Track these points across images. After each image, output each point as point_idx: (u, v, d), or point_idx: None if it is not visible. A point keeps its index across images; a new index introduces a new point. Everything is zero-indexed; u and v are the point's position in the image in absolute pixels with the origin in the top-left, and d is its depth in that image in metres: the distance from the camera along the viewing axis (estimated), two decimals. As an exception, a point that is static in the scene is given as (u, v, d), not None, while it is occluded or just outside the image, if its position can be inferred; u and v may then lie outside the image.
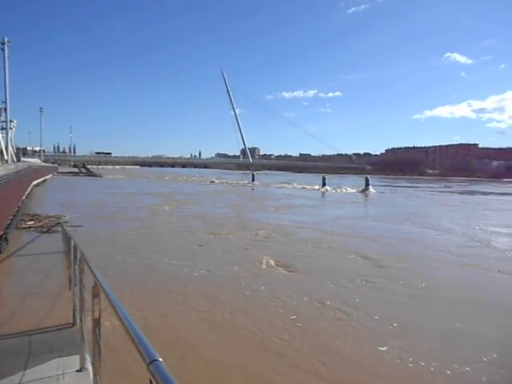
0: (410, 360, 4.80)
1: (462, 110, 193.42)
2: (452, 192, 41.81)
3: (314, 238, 13.15)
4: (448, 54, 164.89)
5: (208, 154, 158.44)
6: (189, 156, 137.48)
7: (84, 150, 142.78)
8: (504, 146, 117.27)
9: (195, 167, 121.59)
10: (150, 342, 1.15)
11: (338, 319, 6.14)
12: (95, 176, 61.12)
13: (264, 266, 9.14)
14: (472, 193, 41.05)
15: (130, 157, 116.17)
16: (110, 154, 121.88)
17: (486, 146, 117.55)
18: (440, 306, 6.86)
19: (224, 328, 5.71)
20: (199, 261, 9.36)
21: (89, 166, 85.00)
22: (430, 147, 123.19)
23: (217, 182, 52.41)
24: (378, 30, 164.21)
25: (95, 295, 2.23)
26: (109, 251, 10.02)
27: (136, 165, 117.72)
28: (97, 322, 2.25)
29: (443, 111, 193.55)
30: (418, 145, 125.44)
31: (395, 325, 5.86)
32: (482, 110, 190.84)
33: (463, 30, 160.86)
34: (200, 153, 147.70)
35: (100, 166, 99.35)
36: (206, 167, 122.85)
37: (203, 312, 6.21)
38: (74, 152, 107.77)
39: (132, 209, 20.06)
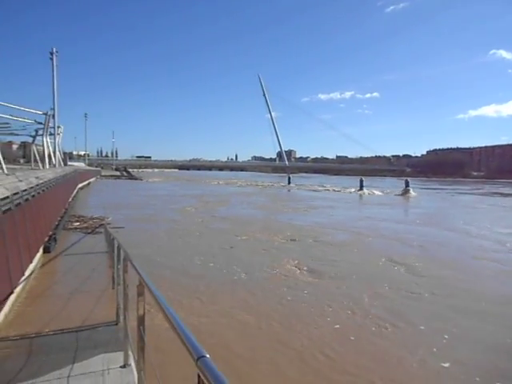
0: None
1: (510, 108, 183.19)
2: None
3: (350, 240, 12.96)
4: (493, 51, 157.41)
5: (244, 157, 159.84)
6: (225, 159, 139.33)
7: (125, 153, 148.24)
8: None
9: (232, 170, 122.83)
10: (196, 339, 1.19)
11: (389, 332, 5.82)
12: (136, 179, 63.15)
13: (297, 272, 9.05)
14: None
15: (168, 160, 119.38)
16: (149, 157, 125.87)
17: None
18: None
19: (259, 336, 5.64)
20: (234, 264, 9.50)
21: (130, 170, 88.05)
22: (474, 148, 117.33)
23: (254, 184, 52.73)
24: (416, 29, 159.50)
25: (140, 293, 2.31)
26: (147, 253, 10.28)
27: (174, 168, 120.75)
28: (141, 320, 2.34)
29: (489, 110, 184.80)
30: (462, 146, 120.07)
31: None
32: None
33: (508, 25, 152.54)
34: (236, 156, 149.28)
35: (140, 170, 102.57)
36: (242, 170, 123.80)
37: (242, 318, 6.21)
38: (116, 156, 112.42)
39: (168, 211, 20.64)
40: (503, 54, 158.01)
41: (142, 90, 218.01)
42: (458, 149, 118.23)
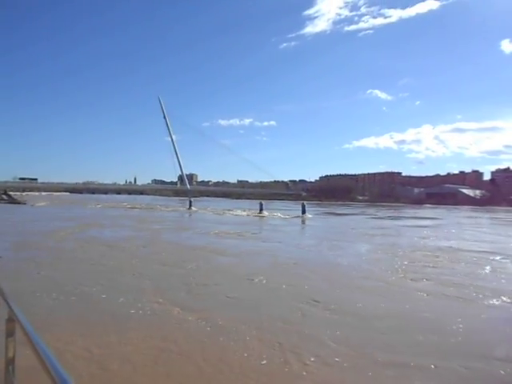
0: None
1: (385, 141, 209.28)
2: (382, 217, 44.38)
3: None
4: (370, 91, 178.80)
5: (144, 180, 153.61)
6: (123, 182, 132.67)
7: (6, 175, 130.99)
8: (423, 174, 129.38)
9: (130, 194, 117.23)
10: (60, 365, 1.08)
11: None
12: (18, 203, 57.14)
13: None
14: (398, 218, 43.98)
15: (58, 183, 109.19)
16: (35, 179, 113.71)
17: (408, 174, 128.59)
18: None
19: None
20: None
21: (11, 193, 78.42)
22: (359, 175, 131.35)
23: (156, 208, 51.08)
24: (307, 65, 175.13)
25: (10, 330, 1.97)
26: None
27: (65, 191, 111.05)
28: (11, 360, 1.99)
29: (369, 142, 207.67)
30: (349, 172, 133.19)
31: None
32: (402, 142, 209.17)
33: (381, 69, 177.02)
34: (135, 179, 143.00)
35: (24, 193, 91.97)
36: (141, 194, 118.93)
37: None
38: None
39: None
40: (378, 93, 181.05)
41: (22, 105, 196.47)
42: (345, 175, 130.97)
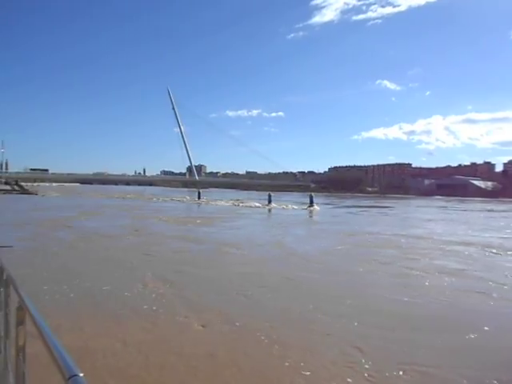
0: None
1: (395, 132, 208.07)
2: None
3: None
4: (379, 81, 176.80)
5: (153, 171, 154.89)
6: (133, 173, 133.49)
7: (18, 166, 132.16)
8: (433, 165, 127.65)
9: (139, 185, 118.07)
10: (71, 357, 1.08)
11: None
12: (30, 194, 57.98)
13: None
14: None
15: (69, 174, 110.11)
16: (46, 170, 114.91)
17: (418, 166, 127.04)
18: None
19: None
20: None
21: (23, 184, 79.48)
22: (368, 166, 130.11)
23: (162, 199, 51.42)
24: (315, 56, 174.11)
25: (20, 319, 2.06)
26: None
27: (76, 182, 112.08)
28: (21, 348, 2.08)
29: (378, 133, 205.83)
30: (358, 163, 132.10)
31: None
32: (412, 133, 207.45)
33: (390, 59, 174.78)
34: (144, 170, 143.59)
35: (36, 184, 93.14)
36: (151, 185, 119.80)
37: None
38: (6, 168, 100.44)
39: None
40: (387, 84, 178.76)
41: (36, 102, 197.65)
42: (355, 167, 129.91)
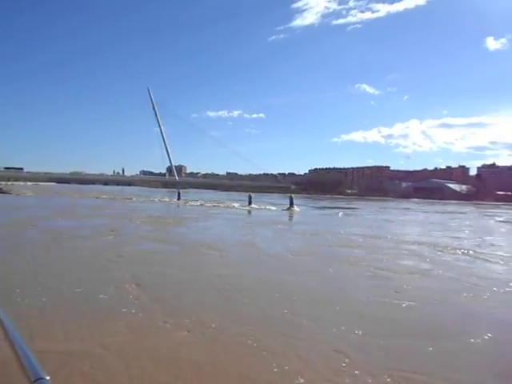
0: None
1: (373, 135, 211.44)
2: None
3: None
4: (358, 85, 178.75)
5: (132, 171, 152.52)
6: (111, 173, 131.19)
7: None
8: (411, 168, 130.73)
9: (118, 185, 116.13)
10: (37, 360, 1.06)
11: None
12: (3, 193, 56.34)
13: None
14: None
15: (45, 173, 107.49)
16: (21, 169, 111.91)
17: (396, 169, 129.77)
18: None
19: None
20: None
21: (-4, 182, 77.06)
22: (348, 168, 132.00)
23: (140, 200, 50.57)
24: (296, 58, 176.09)
25: None
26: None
27: (52, 181, 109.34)
28: None
29: (357, 136, 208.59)
30: (338, 166, 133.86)
31: None
32: (390, 136, 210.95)
33: (369, 63, 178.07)
34: (123, 170, 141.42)
35: (10, 183, 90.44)
36: (129, 185, 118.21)
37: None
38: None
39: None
40: (366, 87, 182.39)
41: (9, 96, 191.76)
42: (334, 169, 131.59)
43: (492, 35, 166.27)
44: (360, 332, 5.78)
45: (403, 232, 21.31)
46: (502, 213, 46.43)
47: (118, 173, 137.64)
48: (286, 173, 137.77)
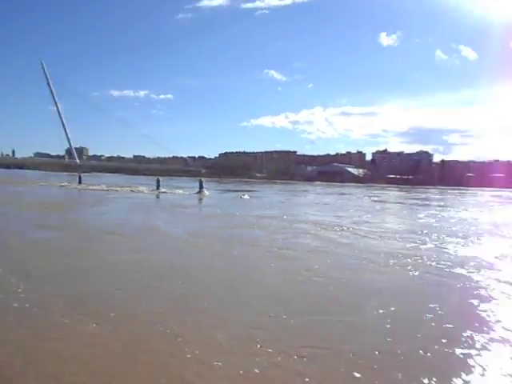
0: None
1: (281, 121, 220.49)
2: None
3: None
4: (267, 70, 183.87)
5: (24, 153, 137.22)
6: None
7: None
8: (315, 153, 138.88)
9: (8, 168, 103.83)
10: None
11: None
12: None
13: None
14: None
15: None
16: None
17: (302, 154, 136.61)
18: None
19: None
20: None
21: None
22: (257, 153, 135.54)
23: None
24: (205, 40, 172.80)
25: None
26: None
27: None
28: None
29: (266, 121, 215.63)
30: (248, 150, 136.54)
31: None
32: (296, 122, 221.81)
33: (277, 50, 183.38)
34: (14, 151, 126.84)
35: None
36: (21, 168, 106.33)
37: None
38: None
39: None
40: (274, 74, 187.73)
41: None
42: (244, 153, 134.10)
43: (385, 31, 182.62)
44: (272, 314, 5.89)
45: (297, 212, 22.69)
46: (384, 194, 53.13)
47: (8, 155, 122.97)
48: (196, 156, 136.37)
